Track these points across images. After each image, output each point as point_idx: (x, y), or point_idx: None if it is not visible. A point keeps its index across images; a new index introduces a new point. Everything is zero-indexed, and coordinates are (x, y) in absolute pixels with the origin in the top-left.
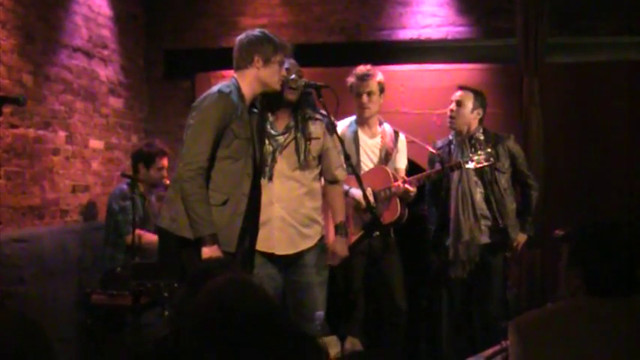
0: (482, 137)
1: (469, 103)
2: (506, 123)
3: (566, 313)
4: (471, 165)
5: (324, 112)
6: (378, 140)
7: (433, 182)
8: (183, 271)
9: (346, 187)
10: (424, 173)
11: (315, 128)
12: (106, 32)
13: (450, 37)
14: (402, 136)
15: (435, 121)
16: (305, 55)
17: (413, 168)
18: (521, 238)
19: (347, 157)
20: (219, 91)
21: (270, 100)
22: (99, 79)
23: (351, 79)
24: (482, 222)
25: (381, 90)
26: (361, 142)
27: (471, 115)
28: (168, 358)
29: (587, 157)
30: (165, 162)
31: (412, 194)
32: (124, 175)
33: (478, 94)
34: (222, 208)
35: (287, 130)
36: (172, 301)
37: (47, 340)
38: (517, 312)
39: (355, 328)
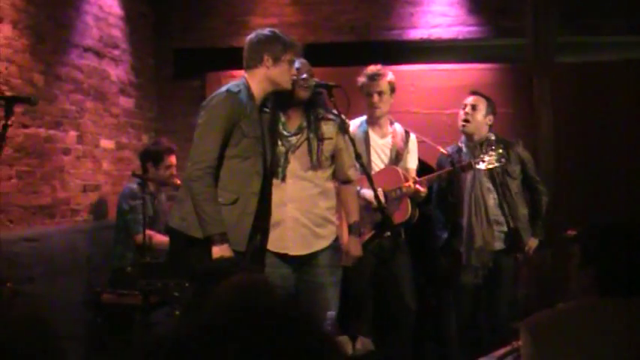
0: (493, 138)
1: (483, 108)
2: (516, 123)
3: (578, 313)
4: (482, 166)
5: (335, 111)
6: (388, 140)
7: (441, 186)
8: (193, 270)
9: (357, 187)
10: (435, 173)
11: (328, 128)
12: (116, 32)
13: (460, 37)
14: (412, 136)
15: (445, 120)
16: (314, 54)
17: (423, 168)
18: (533, 242)
19: (358, 156)
20: (228, 91)
21: (281, 100)
22: (109, 79)
23: (361, 79)
24: (496, 228)
25: (392, 90)
26: (372, 142)
27: (484, 120)
28: (184, 357)
29: (597, 157)
30: (173, 160)
31: (423, 194)
32: (134, 175)
33: (490, 101)
34: (232, 207)
35: (299, 130)
36: (183, 300)
37: (56, 339)
38: (527, 312)
39: (364, 328)
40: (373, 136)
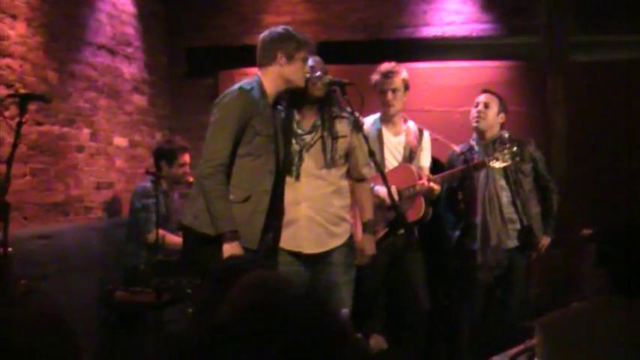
0: (507, 135)
1: (495, 106)
2: (529, 121)
3: (593, 312)
4: (496, 164)
5: (349, 109)
6: (402, 138)
7: (450, 186)
8: (206, 268)
9: (371, 184)
10: (449, 171)
11: (342, 126)
12: (129, 30)
13: (473, 35)
14: (426, 134)
15: (458, 118)
16: (327, 52)
17: (436, 165)
18: (545, 240)
19: (371, 154)
20: (240, 88)
21: (296, 99)
22: (122, 77)
23: (375, 77)
24: (510, 226)
25: (406, 87)
26: (385, 140)
27: (496, 119)
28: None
29: (610, 156)
30: (187, 158)
31: (437, 192)
32: (147, 173)
33: (501, 99)
34: (244, 205)
35: (314, 129)
36: (196, 298)
37: (73, 335)
38: (538, 311)
39: (377, 326)
40: (387, 134)
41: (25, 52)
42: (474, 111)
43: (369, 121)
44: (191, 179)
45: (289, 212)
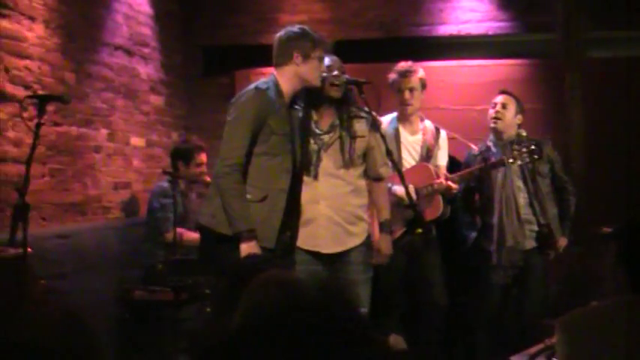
0: (524, 134)
1: (512, 108)
2: (546, 118)
3: (613, 311)
4: (515, 162)
5: (367, 108)
6: (419, 137)
7: (467, 186)
8: (224, 267)
9: (389, 183)
10: (467, 170)
11: (360, 126)
12: (146, 30)
13: (490, 33)
14: (443, 133)
15: (475, 117)
16: (343, 51)
17: (453, 164)
18: (562, 241)
19: (389, 153)
20: (256, 88)
21: (313, 98)
22: (139, 77)
23: (392, 76)
24: (527, 226)
25: (423, 86)
26: (402, 139)
27: (513, 120)
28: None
29: (628, 153)
30: (203, 157)
31: (454, 191)
32: (164, 173)
33: (519, 100)
34: (261, 204)
35: (332, 128)
36: (214, 297)
37: (93, 334)
38: (557, 310)
39: (395, 325)
40: (404, 133)
41: (43, 53)
42: (491, 111)
43: (386, 120)
44: (208, 179)
45: (307, 211)
